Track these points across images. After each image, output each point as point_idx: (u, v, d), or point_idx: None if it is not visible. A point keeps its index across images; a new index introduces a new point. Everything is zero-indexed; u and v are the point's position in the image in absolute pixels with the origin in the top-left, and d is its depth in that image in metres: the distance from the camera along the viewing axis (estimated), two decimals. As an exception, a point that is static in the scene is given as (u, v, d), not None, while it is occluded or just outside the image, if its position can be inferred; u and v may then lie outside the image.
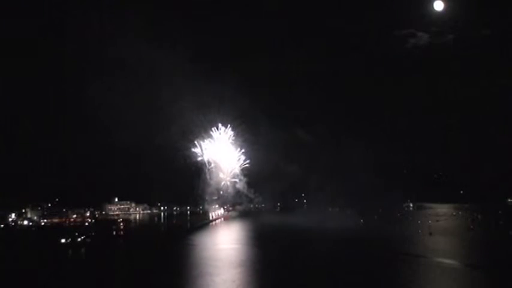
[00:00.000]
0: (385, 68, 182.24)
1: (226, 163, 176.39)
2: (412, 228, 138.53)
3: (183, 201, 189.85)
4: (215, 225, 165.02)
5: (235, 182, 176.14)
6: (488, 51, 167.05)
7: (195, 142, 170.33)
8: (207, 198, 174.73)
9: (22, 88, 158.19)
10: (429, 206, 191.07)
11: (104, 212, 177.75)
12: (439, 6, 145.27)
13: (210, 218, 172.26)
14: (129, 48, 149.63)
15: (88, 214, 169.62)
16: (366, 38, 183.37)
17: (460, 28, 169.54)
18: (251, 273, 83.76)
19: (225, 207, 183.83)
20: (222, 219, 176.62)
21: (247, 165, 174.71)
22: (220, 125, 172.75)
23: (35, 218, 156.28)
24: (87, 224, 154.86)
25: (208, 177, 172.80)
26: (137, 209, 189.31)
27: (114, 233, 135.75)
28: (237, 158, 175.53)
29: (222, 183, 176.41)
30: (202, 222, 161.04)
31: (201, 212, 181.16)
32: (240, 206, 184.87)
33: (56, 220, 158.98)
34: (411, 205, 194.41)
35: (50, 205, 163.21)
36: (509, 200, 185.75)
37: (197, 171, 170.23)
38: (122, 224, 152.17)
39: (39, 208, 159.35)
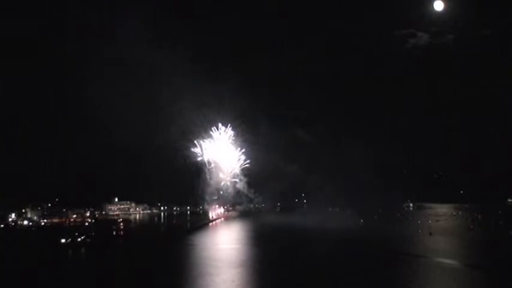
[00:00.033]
0: (385, 68, 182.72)
1: (226, 163, 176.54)
2: (412, 228, 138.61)
3: (183, 201, 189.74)
4: (215, 225, 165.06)
5: (235, 182, 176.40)
6: (488, 51, 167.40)
7: (195, 142, 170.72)
8: (207, 198, 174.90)
9: (22, 88, 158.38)
10: (429, 206, 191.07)
11: (104, 212, 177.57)
12: (439, 6, 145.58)
13: (210, 218, 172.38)
14: (129, 48, 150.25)
15: (88, 214, 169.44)
16: (366, 38, 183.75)
17: (460, 28, 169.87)
18: (251, 273, 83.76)
19: (225, 207, 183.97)
20: (222, 219, 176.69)
21: (247, 165, 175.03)
22: (220, 125, 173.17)
23: (35, 218, 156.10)
24: (87, 224, 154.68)
25: (208, 177, 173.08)
26: (137, 209, 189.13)
27: (114, 233, 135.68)
28: (237, 158, 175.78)
29: (222, 183, 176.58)
30: (202, 222, 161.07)
31: (201, 212, 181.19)
32: (240, 206, 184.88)
33: (56, 220, 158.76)
34: (411, 205, 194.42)
35: (50, 205, 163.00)
36: (509, 200, 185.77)
37: (197, 171, 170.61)
38: (122, 224, 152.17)
39: (39, 208, 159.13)
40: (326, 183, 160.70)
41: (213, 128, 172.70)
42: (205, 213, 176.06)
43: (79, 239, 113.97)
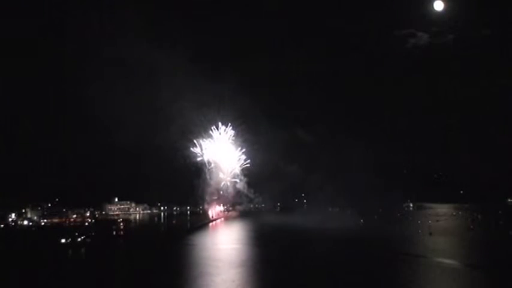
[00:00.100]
0: (385, 68, 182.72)
1: (226, 163, 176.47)
2: (412, 228, 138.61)
3: (183, 201, 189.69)
4: (215, 225, 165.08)
5: (235, 182, 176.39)
6: (488, 51, 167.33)
7: (195, 142, 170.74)
8: (207, 198, 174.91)
9: (22, 88, 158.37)
10: (429, 206, 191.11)
11: (104, 212, 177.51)
12: (439, 6, 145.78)
13: (210, 218, 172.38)
14: (129, 48, 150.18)
15: (88, 214, 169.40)
16: (366, 38, 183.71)
17: (460, 28, 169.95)
18: (251, 273, 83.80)
19: (225, 207, 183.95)
20: (222, 219, 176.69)
21: (247, 165, 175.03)
22: (220, 124, 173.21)
23: (35, 218, 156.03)
24: (87, 224, 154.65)
25: (208, 177, 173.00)
26: (137, 209, 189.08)
27: (114, 233, 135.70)
28: (237, 158, 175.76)
29: (222, 183, 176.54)
30: (202, 222, 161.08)
31: (201, 212, 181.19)
32: (240, 206, 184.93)
33: (56, 220, 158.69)
34: (411, 205, 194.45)
35: (50, 205, 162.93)
36: (509, 200, 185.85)
37: (197, 171, 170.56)
38: (121, 224, 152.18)
39: (39, 208, 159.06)
40: (326, 183, 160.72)
41: (213, 128, 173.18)
42: (205, 213, 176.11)
43: (79, 239, 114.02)
